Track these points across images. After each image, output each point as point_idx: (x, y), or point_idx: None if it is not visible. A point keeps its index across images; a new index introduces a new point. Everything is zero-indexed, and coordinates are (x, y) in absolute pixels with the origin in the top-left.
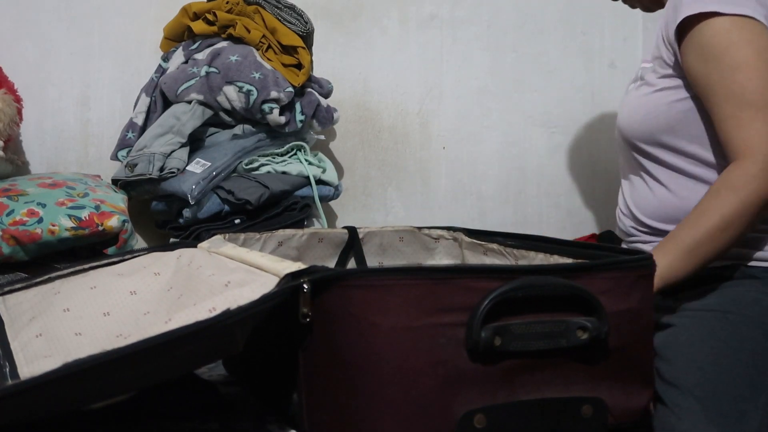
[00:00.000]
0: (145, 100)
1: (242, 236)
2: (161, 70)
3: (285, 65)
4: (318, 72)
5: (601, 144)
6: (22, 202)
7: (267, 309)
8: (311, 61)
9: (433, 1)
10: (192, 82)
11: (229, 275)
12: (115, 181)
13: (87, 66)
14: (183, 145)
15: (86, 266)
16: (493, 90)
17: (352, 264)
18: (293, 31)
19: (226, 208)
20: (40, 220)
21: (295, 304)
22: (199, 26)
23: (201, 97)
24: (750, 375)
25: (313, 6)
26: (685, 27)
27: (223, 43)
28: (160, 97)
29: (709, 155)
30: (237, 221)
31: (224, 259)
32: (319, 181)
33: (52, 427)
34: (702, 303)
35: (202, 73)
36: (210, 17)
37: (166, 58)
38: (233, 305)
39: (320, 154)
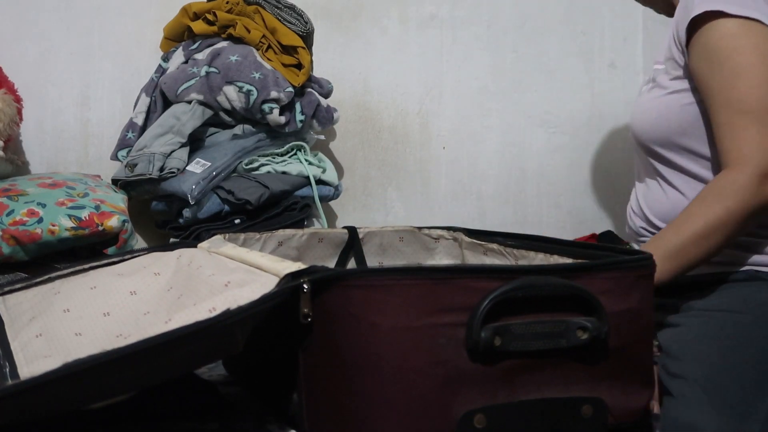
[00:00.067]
0: (145, 100)
1: (242, 236)
2: (161, 70)
3: (285, 65)
4: (318, 72)
5: (601, 144)
6: (22, 202)
7: (267, 309)
8: (311, 61)
9: (433, 1)
10: (192, 82)
11: (229, 275)
12: (115, 181)
13: (87, 66)
14: (183, 145)
15: (86, 266)
16: (493, 90)
17: (352, 264)
18: (293, 31)
19: (226, 208)
20: (40, 220)
21: (295, 304)
22: (199, 26)
23: (201, 97)
24: (757, 371)
25: (313, 6)
26: (694, 28)
27: (223, 43)
28: (160, 97)
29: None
30: (237, 221)
31: (224, 259)
32: (319, 181)
33: (52, 427)
34: (711, 303)
35: (202, 73)
36: (210, 17)
37: (166, 58)
38: (233, 305)
39: (320, 154)
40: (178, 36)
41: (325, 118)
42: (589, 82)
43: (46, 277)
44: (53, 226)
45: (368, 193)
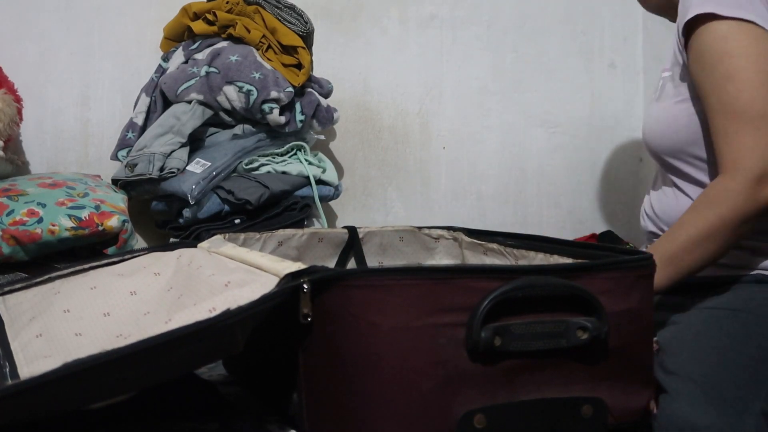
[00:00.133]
0: (145, 100)
1: (242, 236)
2: (161, 70)
3: (285, 65)
4: (318, 72)
5: (601, 143)
6: (22, 202)
7: (267, 309)
8: (311, 61)
9: (433, 1)
10: (192, 82)
11: (229, 275)
12: (115, 181)
13: (87, 66)
14: (183, 145)
15: (86, 266)
16: (493, 90)
17: (352, 264)
18: (293, 31)
19: (226, 208)
20: (40, 220)
21: (295, 304)
22: (199, 26)
23: (201, 97)
24: (754, 366)
25: (313, 6)
26: (689, 31)
27: (223, 43)
28: (160, 97)
29: None
30: (237, 221)
31: (224, 259)
32: (319, 181)
33: (52, 427)
34: (713, 302)
35: (202, 73)
36: (210, 17)
37: (166, 58)
38: (233, 305)
39: (320, 154)
40: (178, 36)
41: (325, 118)
42: (589, 82)
43: (46, 277)
44: (53, 226)
45: (368, 193)
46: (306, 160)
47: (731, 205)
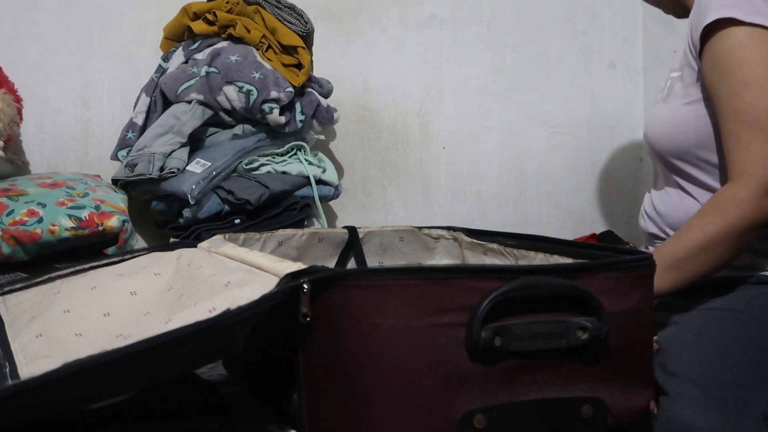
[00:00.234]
0: (145, 100)
1: (242, 236)
2: (161, 70)
3: (285, 65)
4: (318, 72)
5: (601, 143)
6: (22, 202)
7: (267, 309)
8: (311, 61)
9: (433, 1)
10: (192, 82)
11: (229, 275)
12: (115, 181)
13: (87, 66)
14: (183, 145)
15: (86, 266)
16: (493, 90)
17: (352, 264)
18: (293, 31)
19: (226, 208)
20: (40, 220)
21: (295, 305)
22: (199, 26)
23: (201, 97)
24: (755, 368)
25: (313, 6)
26: (707, 36)
27: (223, 43)
28: (160, 97)
29: None
30: (237, 221)
31: (224, 259)
32: (319, 181)
33: (52, 427)
34: (714, 303)
35: (202, 73)
36: (210, 17)
37: (166, 58)
38: (233, 305)
39: (320, 154)
40: (178, 36)
41: (325, 118)
42: (589, 82)
43: (46, 277)
44: (53, 226)
45: (368, 193)
46: (306, 160)
47: (740, 212)
